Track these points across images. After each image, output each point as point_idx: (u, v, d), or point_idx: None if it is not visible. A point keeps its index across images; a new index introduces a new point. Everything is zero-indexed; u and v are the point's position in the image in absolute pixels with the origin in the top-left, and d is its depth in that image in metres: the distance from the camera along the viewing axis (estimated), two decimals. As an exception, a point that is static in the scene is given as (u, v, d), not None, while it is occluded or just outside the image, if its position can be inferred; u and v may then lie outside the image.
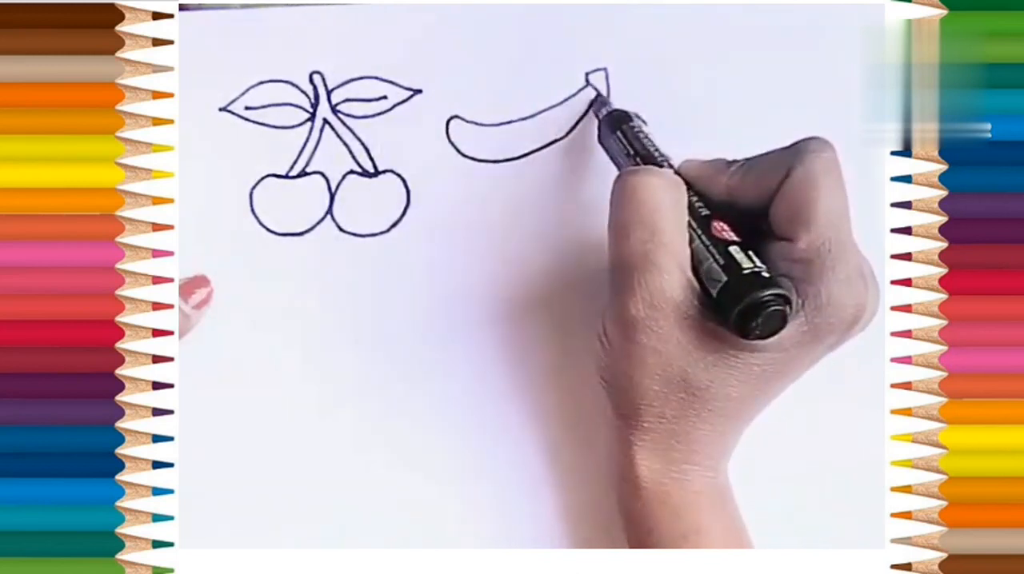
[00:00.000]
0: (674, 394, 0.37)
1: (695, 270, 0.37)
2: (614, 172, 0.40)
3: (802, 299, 0.36)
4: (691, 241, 0.37)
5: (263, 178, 0.44)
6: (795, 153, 0.37)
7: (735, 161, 0.39)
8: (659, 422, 0.37)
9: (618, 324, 0.37)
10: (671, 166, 0.40)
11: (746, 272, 0.35)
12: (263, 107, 0.44)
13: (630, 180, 0.37)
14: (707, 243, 0.37)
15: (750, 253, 0.36)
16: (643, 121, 0.43)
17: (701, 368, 0.36)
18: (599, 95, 0.44)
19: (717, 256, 0.36)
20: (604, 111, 0.43)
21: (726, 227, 0.37)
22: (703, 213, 0.38)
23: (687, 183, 0.39)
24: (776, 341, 0.35)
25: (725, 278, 0.35)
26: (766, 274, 0.36)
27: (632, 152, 0.41)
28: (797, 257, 0.36)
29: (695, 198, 0.39)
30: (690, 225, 0.38)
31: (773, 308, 0.35)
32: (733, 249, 0.36)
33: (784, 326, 0.35)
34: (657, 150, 0.41)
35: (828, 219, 0.36)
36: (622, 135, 0.41)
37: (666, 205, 0.37)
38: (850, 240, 0.37)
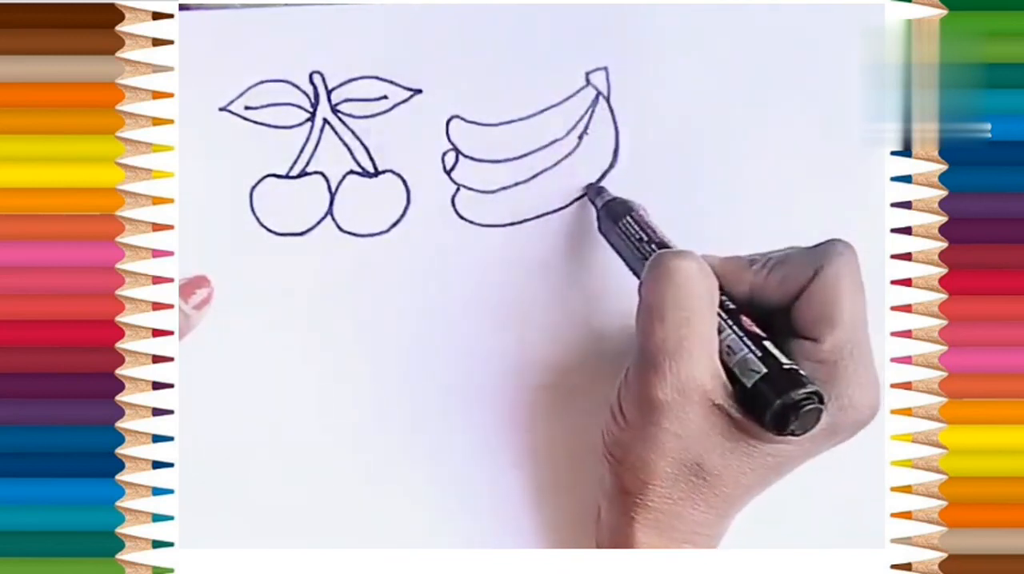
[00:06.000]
0: (684, 478, 0.37)
1: (723, 361, 0.37)
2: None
3: (825, 399, 0.36)
4: (720, 331, 0.37)
5: (263, 178, 0.44)
6: (823, 254, 0.37)
7: (755, 259, 0.39)
8: (664, 502, 0.37)
9: (641, 405, 0.37)
10: None
11: (786, 367, 0.35)
12: (263, 107, 0.44)
13: (669, 263, 0.37)
14: (740, 334, 0.37)
15: (782, 351, 0.36)
16: (645, 210, 0.42)
17: (718, 455, 0.36)
18: (594, 185, 0.43)
19: (754, 348, 0.36)
20: (601, 200, 0.43)
21: (753, 323, 0.37)
22: (731, 306, 0.38)
23: None
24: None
25: (764, 369, 0.35)
26: (802, 372, 0.35)
27: (646, 238, 0.40)
28: (822, 358, 0.36)
29: (719, 291, 0.38)
30: (721, 316, 0.37)
31: (811, 406, 0.35)
32: (768, 343, 0.36)
33: (817, 425, 0.35)
34: (669, 240, 0.40)
35: (852, 321, 0.36)
36: (633, 222, 0.41)
37: (702, 292, 0.37)
38: (868, 343, 0.37)
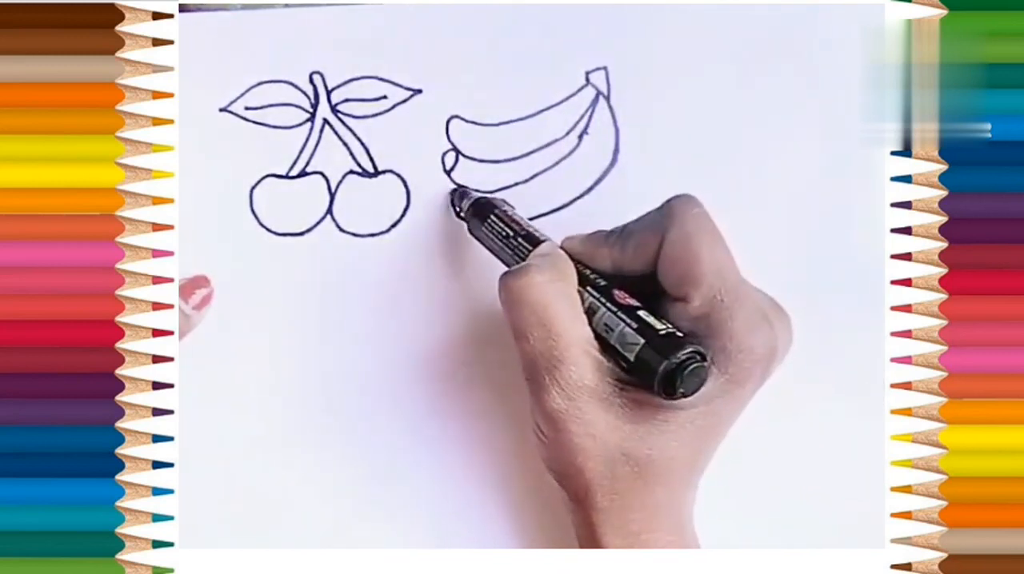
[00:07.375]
0: (619, 470, 0.37)
1: (604, 341, 0.37)
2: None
3: (711, 353, 0.36)
4: (594, 312, 0.37)
5: (263, 178, 0.44)
6: (665, 216, 0.38)
7: (613, 232, 0.39)
8: (612, 500, 0.37)
9: (545, 420, 0.37)
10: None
11: (662, 333, 0.35)
12: (263, 107, 0.44)
13: (514, 285, 0.37)
14: (614, 310, 0.37)
15: (657, 315, 0.36)
16: (510, 205, 0.43)
17: (637, 439, 0.36)
18: (457, 188, 0.44)
19: (629, 321, 0.36)
20: (467, 202, 0.43)
21: (626, 295, 0.37)
22: (601, 283, 0.38)
23: (576, 259, 0.39)
24: (701, 396, 0.36)
25: (642, 340, 0.35)
26: (680, 333, 0.36)
27: (512, 233, 0.41)
28: (695, 315, 0.37)
29: (588, 271, 0.39)
30: (592, 296, 0.38)
31: (695, 366, 0.35)
32: (642, 313, 0.36)
33: (704, 382, 0.35)
34: (535, 229, 0.41)
35: (714, 272, 0.37)
36: (497, 219, 0.41)
37: (554, 297, 0.37)
38: (741, 284, 0.37)
